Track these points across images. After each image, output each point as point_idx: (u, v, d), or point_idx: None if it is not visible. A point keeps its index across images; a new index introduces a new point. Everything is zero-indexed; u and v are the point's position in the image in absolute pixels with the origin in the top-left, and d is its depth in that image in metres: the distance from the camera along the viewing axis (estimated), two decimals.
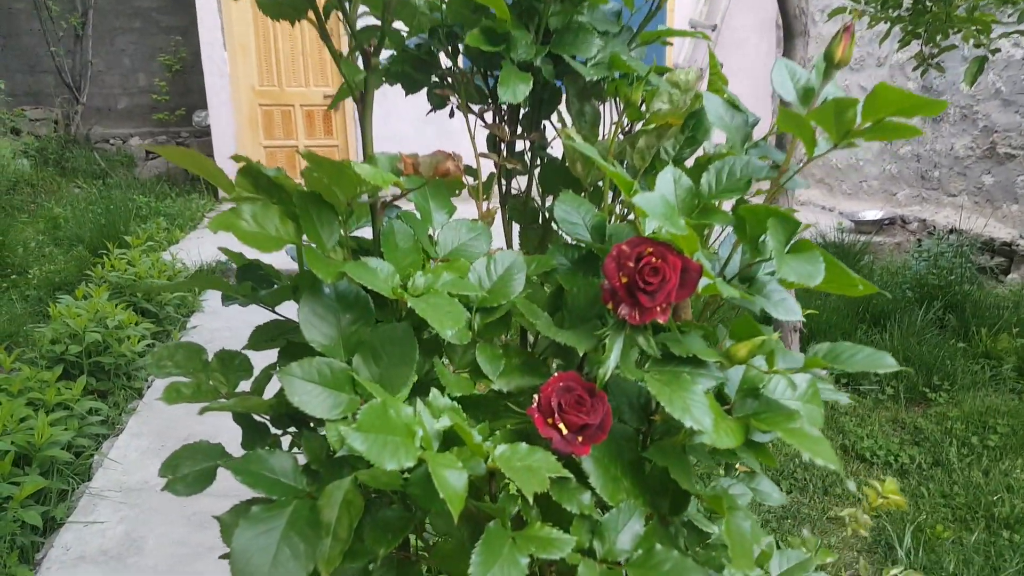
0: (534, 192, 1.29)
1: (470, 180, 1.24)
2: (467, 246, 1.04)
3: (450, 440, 0.79)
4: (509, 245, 1.29)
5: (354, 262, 0.87)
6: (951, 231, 6.57)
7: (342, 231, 1.05)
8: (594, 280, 0.94)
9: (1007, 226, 6.35)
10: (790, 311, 1.10)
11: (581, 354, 0.81)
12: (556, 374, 0.83)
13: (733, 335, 0.92)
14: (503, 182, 1.27)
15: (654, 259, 0.78)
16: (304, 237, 0.92)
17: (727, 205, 1.07)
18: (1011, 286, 5.94)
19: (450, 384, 0.86)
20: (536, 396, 0.82)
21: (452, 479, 0.69)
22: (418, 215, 1.04)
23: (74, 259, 6.35)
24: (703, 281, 0.81)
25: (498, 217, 1.28)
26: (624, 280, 0.79)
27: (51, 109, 9.76)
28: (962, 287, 5.48)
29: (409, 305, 0.81)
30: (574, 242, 1.04)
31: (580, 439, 0.81)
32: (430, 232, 1.05)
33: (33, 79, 9.88)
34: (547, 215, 1.27)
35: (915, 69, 4.48)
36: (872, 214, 7.33)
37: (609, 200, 1.10)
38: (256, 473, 0.87)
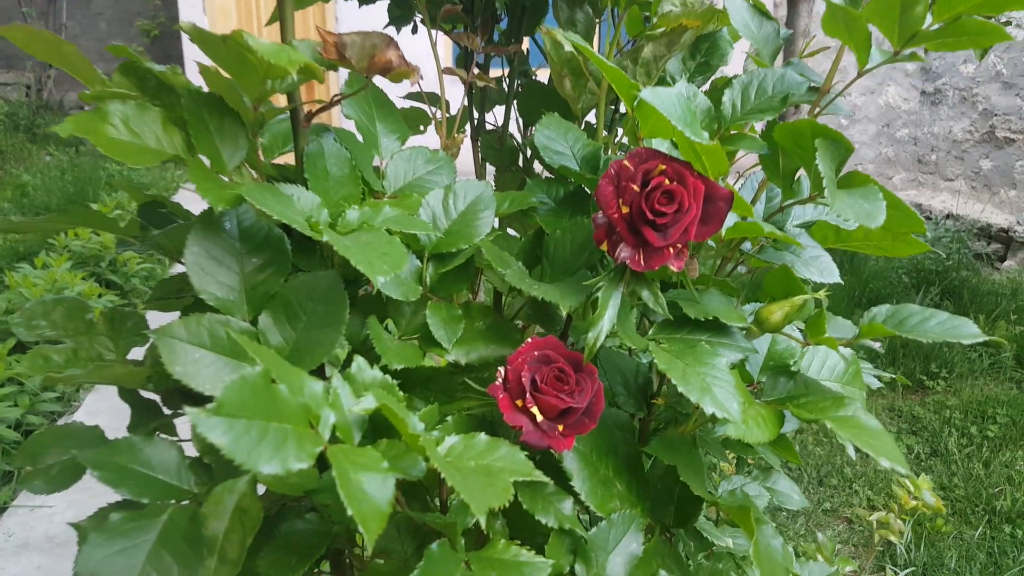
0: (513, 128, 1.06)
1: (437, 114, 1.01)
2: (424, 181, 0.81)
3: (381, 429, 0.57)
4: None
5: (258, 185, 0.64)
6: (947, 216, 6.39)
7: (258, 154, 0.83)
8: (584, 221, 0.72)
9: (1004, 212, 6.18)
10: (826, 272, 0.88)
11: (565, 314, 0.60)
12: (531, 339, 0.61)
13: (765, 292, 0.70)
14: (475, 113, 1.04)
15: (667, 180, 0.56)
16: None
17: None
18: (1008, 273, 5.78)
19: (387, 352, 0.64)
20: (501, 370, 0.60)
21: (369, 487, 0.47)
22: (360, 138, 0.81)
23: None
24: (730, 218, 0.59)
25: (469, 157, 1.05)
26: (625, 210, 0.57)
27: (23, 73, 9.40)
28: (959, 273, 5.32)
29: (325, 239, 0.59)
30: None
31: (560, 428, 0.59)
32: (376, 163, 0.83)
33: (3, 42, 9.51)
34: (529, 155, 1.05)
35: None
36: None
37: (605, 132, 0.87)
38: (123, 468, 0.64)
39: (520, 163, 1.07)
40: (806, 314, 0.69)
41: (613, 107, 1.04)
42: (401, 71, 0.64)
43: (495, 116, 1.06)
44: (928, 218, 6.56)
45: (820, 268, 0.89)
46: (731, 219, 0.62)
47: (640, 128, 0.68)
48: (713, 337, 0.66)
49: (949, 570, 2.89)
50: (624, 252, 0.57)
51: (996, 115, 6.22)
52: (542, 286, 0.63)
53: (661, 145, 0.71)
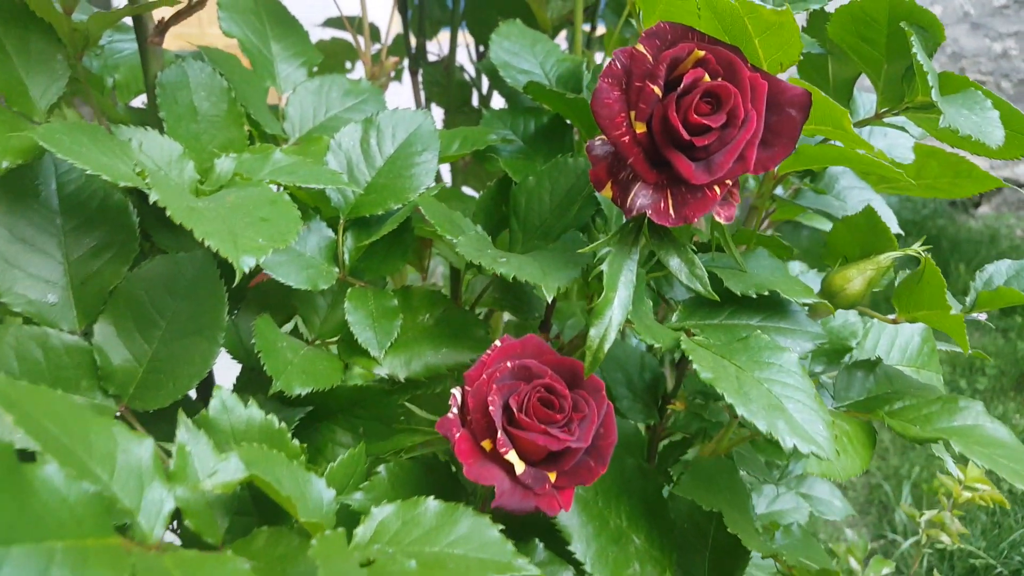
0: (463, 57, 0.84)
1: (360, 42, 0.78)
2: (341, 121, 0.58)
3: (269, 510, 0.35)
4: None
5: (65, 125, 0.42)
6: None
7: (109, 96, 0.60)
8: (568, 161, 0.50)
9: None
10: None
11: (549, 300, 0.38)
12: (501, 340, 0.39)
13: (833, 249, 0.49)
14: (411, 38, 0.81)
15: (708, 74, 0.35)
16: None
17: None
18: (984, 220, 5.68)
19: (283, 370, 0.42)
20: (456, 392, 0.38)
21: None
22: (247, 64, 0.58)
23: None
24: (803, 140, 0.38)
25: (407, 98, 0.82)
26: (641, 129, 0.35)
27: None
28: (936, 222, 5.21)
29: (153, 199, 0.36)
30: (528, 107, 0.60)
31: (553, 478, 0.38)
32: (276, 100, 0.60)
33: None
34: (486, 90, 0.82)
35: None
36: None
37: (585, 46, 0.65)
38: None
39: (476, 102, 0.84)
40: (889, 276, 0.49)
41: (589, 25, 0.82)
42: None
43: (439, 45, 0.84)
44: None
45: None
46: (804, 141, 0.41)
47: (644, 19, 0.46)
48: (767, 320, 0.45)
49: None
50: (642, 197, 0.36)
51: (965, 57, 6.08)
52: (513, 259, 0.41)
53: None
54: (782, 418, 0.36)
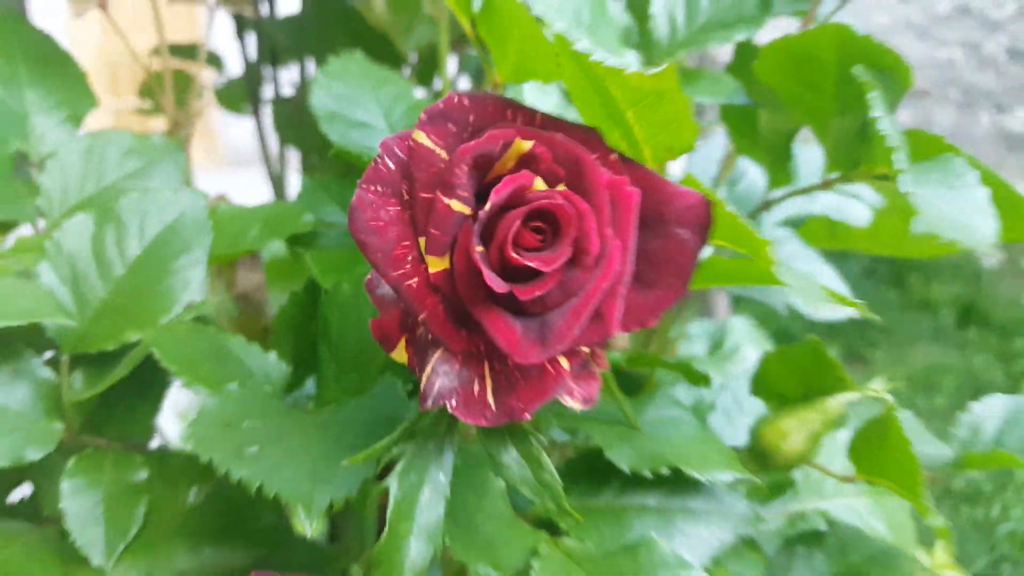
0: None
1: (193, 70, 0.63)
2: (120, 193, 0.43)
3: None
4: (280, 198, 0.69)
5: None
6: None
7: None
8: None
9: None
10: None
11: (309, 531, 0.24)
12: None
13: (763, 383, 0.36)
14: (249, 62, 0.67)
15: (541, 179, 0.21)
16: None
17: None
18: None
19: None
20: None
21: None
22: None
23: None
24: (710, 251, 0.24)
25: (243, 141, 0.67)
26: (437, 266, 0.21)
27: None
28: None
29: None
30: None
31: None
32: (27, 165, 0.45)
33: None
34: None
35: None
36: None
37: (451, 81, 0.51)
38: None
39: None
40: (842, 423, 0.35)
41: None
42: None
43: (295, 76, 0.69)
44: None
45: (815, 292, 0.56)
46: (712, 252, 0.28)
47: (496, 66, 0.33)
48: (670, 497, 0.31)
49: None
50: (444, 376, 0.22)
51: (911, 66, 6.11)
52: (272, 448, 0.26)
53: (543, 99, 0.36)
54: None
